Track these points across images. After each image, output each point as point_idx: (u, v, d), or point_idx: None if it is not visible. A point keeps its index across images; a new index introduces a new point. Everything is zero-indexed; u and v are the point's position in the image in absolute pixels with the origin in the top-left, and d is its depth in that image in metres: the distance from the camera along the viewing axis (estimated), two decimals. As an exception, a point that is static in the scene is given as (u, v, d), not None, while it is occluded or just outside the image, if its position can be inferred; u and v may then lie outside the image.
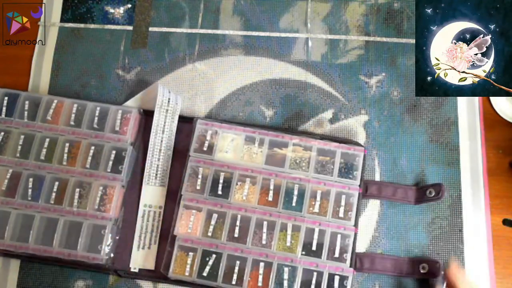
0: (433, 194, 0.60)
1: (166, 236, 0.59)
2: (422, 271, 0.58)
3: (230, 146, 0.61)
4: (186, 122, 0.64)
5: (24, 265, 0.61)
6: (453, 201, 0.62)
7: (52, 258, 0.58)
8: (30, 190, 0.60)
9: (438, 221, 0.61)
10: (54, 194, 0.59)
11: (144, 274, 0.60)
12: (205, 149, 0.61)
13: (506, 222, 0.61)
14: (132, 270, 0.60)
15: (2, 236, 0.58)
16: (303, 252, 0.57)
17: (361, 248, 0.61)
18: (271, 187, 0.60)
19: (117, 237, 0.60)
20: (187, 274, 0.57)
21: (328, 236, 0.58)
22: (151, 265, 0.60)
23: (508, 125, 0.65)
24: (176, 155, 0.63)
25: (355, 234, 0.58)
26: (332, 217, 0.59)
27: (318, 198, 0.59)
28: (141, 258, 0.60)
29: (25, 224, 0.59)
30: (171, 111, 0.63)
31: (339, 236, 0.58)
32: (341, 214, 0.59)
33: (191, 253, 0.58)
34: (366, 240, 0.61)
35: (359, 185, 0.60)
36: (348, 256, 0.57)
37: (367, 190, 0.61)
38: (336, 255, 0.57)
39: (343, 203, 0.59)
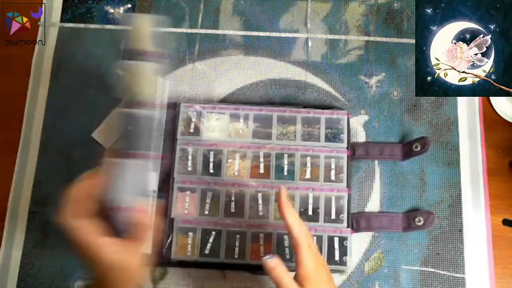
0: (419, 148, 0.61)
1: (164, 220, 0.59)
2: (418, 224, 0.60)
3: (216, 125, 0.62)
4: (170, 108, 0.64)
5: (24, 265, 0.61)
6: (453, 201, 0.62)
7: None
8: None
9: (438, 221, 0.61)
10: None
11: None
12: (191, 130, 0.62)
13: (506, 222, 0.61)
14: None
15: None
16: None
17: (361, 248, 0.61)
18: (261, 159, 0.61)
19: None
20: (189, 254, 0.58)
21: (323, 200, 0.59)
22: (147, 249, 0.59)
23: (508, 125, 0.65)
24: (164, 141, 0.63)
25: (349, 195, 0.59)
26: (324, 181, 0.60)
27: (308, 164, 0.60)
28: None
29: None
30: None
31: (333, 198, 0.59)
32: (332, 178, 0.60)
33: (191, 233, 0.59)
34: (366, 240, 0.61)
35: (347, 147, 0.61)
36: (344, 217, 0.59)
37: (354, 152, 0.62)
38: (333, 217, 0.59)
39: (333, 166, 0.60)
